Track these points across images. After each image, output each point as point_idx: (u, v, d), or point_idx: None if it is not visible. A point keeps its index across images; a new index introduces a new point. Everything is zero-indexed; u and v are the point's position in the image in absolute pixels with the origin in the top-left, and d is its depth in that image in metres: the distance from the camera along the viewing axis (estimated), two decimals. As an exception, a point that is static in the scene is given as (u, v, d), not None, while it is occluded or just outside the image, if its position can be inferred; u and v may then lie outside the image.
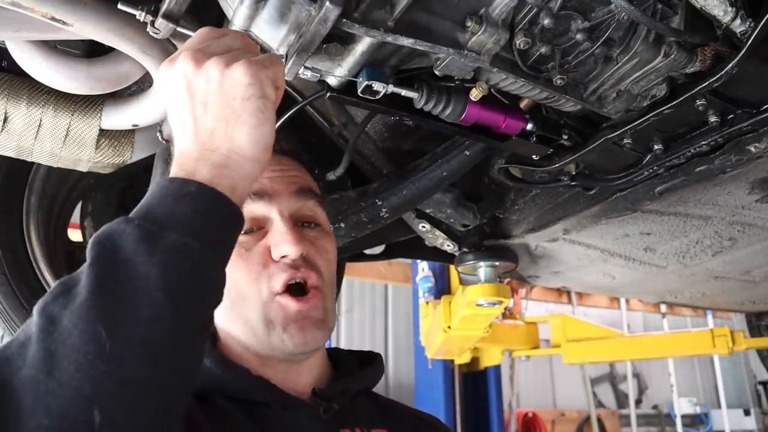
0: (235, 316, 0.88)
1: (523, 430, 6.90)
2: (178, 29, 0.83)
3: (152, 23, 0.81)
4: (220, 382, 0.85)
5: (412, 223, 1.71)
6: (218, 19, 1.03)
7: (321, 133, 1.40)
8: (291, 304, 0.84)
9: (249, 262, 0.86)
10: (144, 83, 1.13)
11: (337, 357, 1.01)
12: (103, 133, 1.13)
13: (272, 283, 0.85)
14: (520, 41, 0.86)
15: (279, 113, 1.13)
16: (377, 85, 0.88)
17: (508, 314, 4.94)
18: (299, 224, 0.91)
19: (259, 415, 0.84)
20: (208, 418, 0.82)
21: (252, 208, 0.88)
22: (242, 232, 0.85)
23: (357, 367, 0.99)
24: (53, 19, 0.79)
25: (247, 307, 0.86)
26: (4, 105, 1.05)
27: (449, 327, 3.18)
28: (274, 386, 0.85)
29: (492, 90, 1.00)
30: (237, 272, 0.85)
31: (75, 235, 1.86)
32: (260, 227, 0.89)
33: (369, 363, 1.01)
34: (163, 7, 0.81)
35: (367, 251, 2.12)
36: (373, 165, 1.49)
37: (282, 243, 0.85)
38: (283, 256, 0.85)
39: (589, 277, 2.23)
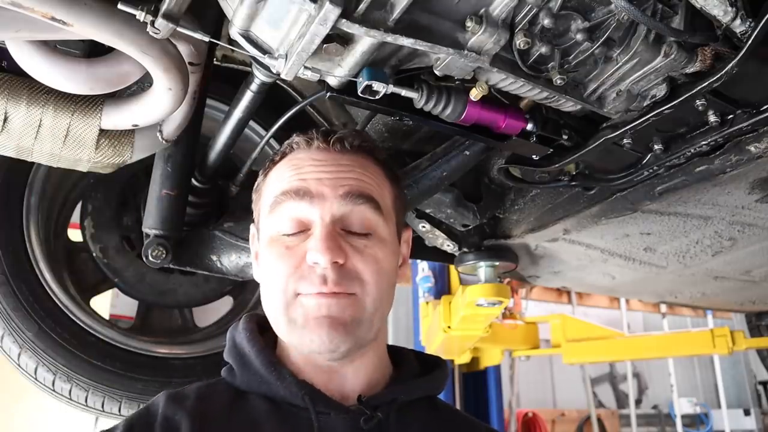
0: (268, 311, 0.89)
1: (523, 429, 6.89)
2: (178, 29, 0.83)
3: (152, 23, 0.81)
4: (265, 384, 0.86)
5: (412, 223, 1.71)
6: (218, 19, 1.03)
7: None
8: (311, 301, 0.82)
9: (286, 262, 0.85)
10: (144, 83, 1.12)
11: (400, 360, 0.98)
12: (103, 133, 1.13)
13: (299, 286, 0.84)
14: (520, 41, 0.86)
15: (279, 113, 1.14)
16: (377, 85, 0.87)
17: (508, 314, 4.93)
18: (346, 231, 0.86)
19: (296, 420, 0.83)
20: (235, 419, 0.84)
21: (295, 209, 0.87)
22: (288, 233, 0.86)
23: (417, 373, 0.95)
24: (53, 19, 0.79)
25: (275, 305, 0.86)
26: (4, 105, 1.04)
27: (449, 327, 3.18)
28: (317, 391, 0.85)
29: (492, 90, 1.00)
30: (274, 270, 0.86)
31: (75, 235, 1.86)
32: (306, 229, 0.86)
33: (431, 371, 0.97)
34: (163, 7, 0.81)
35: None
36: (373, 165, 1.49)
37: (314, 250, 0.82)
38: (315, 263, 0.83)
39: (589, 277, 2.23)
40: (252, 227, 1.00)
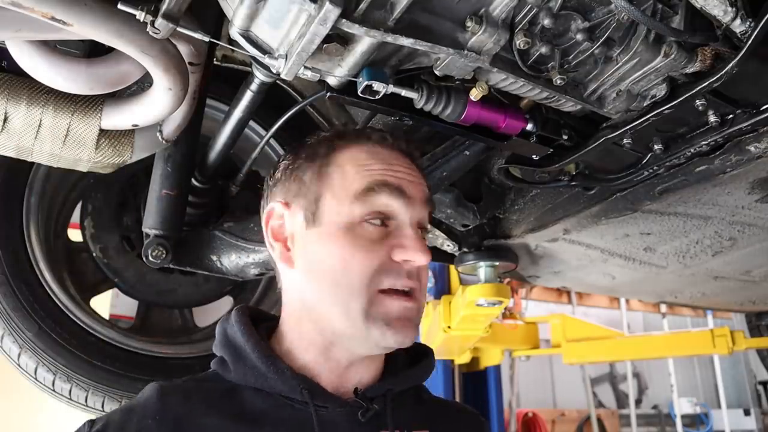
0: (335, 300, 0.85)
1: (523, 429, 6.89)
2: (178, 29, 0.83)
3: (152, 23, 0.81)
4: (261, 377, 0.86)
5: (412, 223, 1.71)
6: (218, 19, 1.03)
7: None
8: (395, 303, 0.84)
9: (371, 255, 0.84)
10: (144, 83, 1.12)
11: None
12: (103, 133, 1.13)
13: (384, 281, 0.84)
14: (520, 41, 0.86)
15: (279, 113, 1.14)
16: (377, 85, 0.87)
17: (508, 314, 4.93)
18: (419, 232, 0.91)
19: (294, 414, 0.84)
20: (231, 414, 0.83)
21: (388, 202, 0.87)
22: (373, 221, 0.86)
23: (407, 364, 0.98)
24: (53, 19, 0.79)
25: (351, 296, 0.83)
26: (4, 105, 1.04)
27: (449, 327, 3.18)
28: (315, 385, 0.85)
29: (492, 90, 1.00)
30: (355, 260, 0.84)
31: (75, 235, 1.86)
32: (388, 223, 0.87)
33: (419, 360, 0.99)
34: (163, 7, 0.81)
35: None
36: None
37: (411, 249, 0.85)
38: (406, 261, 0.85)
39: (589, 277, 2.23)
40: (278, 206, 0.92)
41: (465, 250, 1.83)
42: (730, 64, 0.91)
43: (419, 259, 0.85)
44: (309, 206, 0.89)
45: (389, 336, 0.84)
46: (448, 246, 1.82)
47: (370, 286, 0.83)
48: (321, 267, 0.86)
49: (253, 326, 0.92)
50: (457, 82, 0.99)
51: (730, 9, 0.82)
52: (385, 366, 0.95)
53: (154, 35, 0.84)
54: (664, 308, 8.30)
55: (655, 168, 1.29)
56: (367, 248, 0.84)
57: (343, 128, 0.96)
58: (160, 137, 1.23)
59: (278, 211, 0.93)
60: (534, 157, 1.24)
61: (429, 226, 0.94)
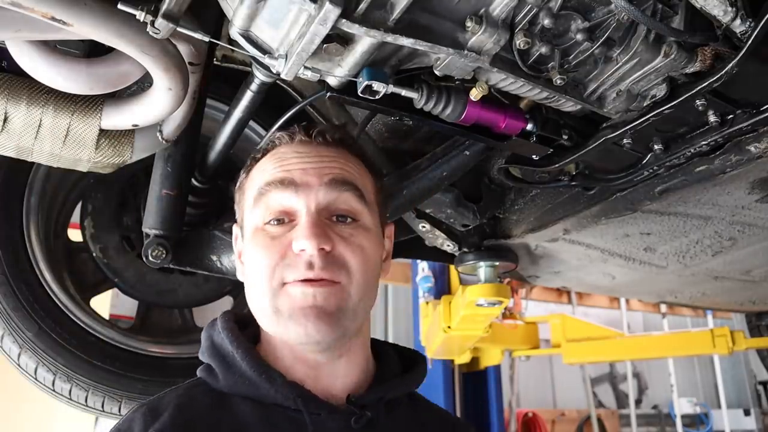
0: (254, 305, 0.88)
1: (523, 429, 6.89)
2: (178, 29, 0.83)
3: (152, 23, 0.81)
4: (252, 386, 0.85)
5: (412, 223, 1.71)
6: (218, 19, 1.03)
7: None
8: (297, 290, 0.82)
9: (270, 251, 0.85)
10: (144, 83, 1.12)
11: (383, 355, 0.98)
12: (103, 133, 1.13)
13: (285, 274, 0.83)
14: (520, 41, 0.86)
15: (279, 113, 1.14)
16: (377, 85, 0.87)
17: (508, 314, 4.93)
18: (332, 218, 0.87)
19: (286, 422, 0.83)
20: (221, 425, 0.82)
21: (281, 199, 0.87)
22: (273, 221, 0.86)
23: (399, 370, 0.96)
24: (53, 19, 0.79)
25: (260, 295, 0.85)
26: (4, 105, 1.04)
27: (449, 327, 3.18)
28: (307, 392, 0.84)
29: (492, 90, 1.00)
30: (260, 260, 0.85)
31: (75, 235, 1.86)
32: (291, 219, 0.87)
33: (412, 367, 0.98)
34: (163, 7, 0.81)
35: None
36: (373, 165, 1.49)
37: (300, 237, 0.82)
38: (302, 250, 0.82)
39: (589, 277, 2.23)
40: (235, 228, 0.99)
41: (465, 250, 1.83)
42: (730, 64, 0.91)
43: (306, 245, 0.81)
44: (240, 221, 0.95)
45: (292, 329, 0.82)
46: (448, 246, 1.82)
47: (272, 281, 0.84)
48: (246, 278, 0.91)
49: (240, 332, 0.91)
50: (457, 82, 0.99)
51: (730, 9, 0.82)
52: (376, 372, 0.94)
53: (154, 35, 0.84)
54: (664, 308, 8.29)
55: (655, 168, 1.29)
56: (267, 246, 0.85)
57: (269, 140, 0.96)
58: (160, 137, 1.23)
59: (235, 233, 0.99)
60: (534, 157, 1.24)
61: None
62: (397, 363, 0.98)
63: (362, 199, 0.90)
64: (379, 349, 0.99)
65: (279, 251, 0.84)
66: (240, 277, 0.95)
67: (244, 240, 0.93)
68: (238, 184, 0.98)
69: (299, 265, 0.82)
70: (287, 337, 0.85)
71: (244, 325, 0.95)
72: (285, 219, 0.87)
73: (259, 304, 0.87)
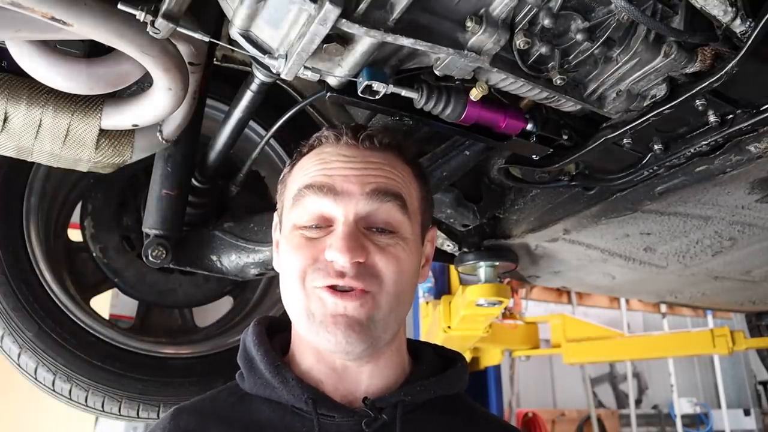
0: (287, 302, 0.88)
1: (523, 429, 6.89)
2: (178, 29, 0.83)
3: (152, 23, 0.81)
4: (269, 387, 0.86)
5: (412, 223, 1.71)
6: (218, 19, 1.03)
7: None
8: (329, 297, 0.82)
9: (304, 253, 0.84)
10: (144, 83, 1.12)
11: (420, 358, 0.96)
12: (103, 133, 1.13)
13: (315, 277, 0.83)
14: (520, 41, 0.86)
15: (279, 113, 1.14)
16: (377, 85, 0.87)
17: (508, 314, 4.93)
18: (371, 229, 0.85)
19: (299, 423, 0.84)
20: (236, 423, 0.84)
21: (318, 204, 0.86)
22: (311, 226, 0.86)
23: (433, 372, 0.93)
24: (53, 19, 0.79)
25: (294, 295, 0.85)
26: (4, 105, 1.04)
27: (449, 327, 3.19)
28: (321, 394, 0.85)
29: (492, 90, 1.00)
30: (293, 260, 0.85)
31: (75, 235, 1.86)
32: (328, 224, 0.86)
33: (445, 369, 0.94)
34: (163, 7, 0.81)
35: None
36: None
37: (334, 249, 0.81)
38: (333, 261, 0.82)
39: (589, 277, 2.23)
40: (275, 216, 0.99)
41: (465, 250, 1.83)
42: (730, 64, 0.91)
43: (338, 258, 0.81)
44: (279, 214, 0.96)
45: (322, 336, 0.82)
46: (448, 246, 1.82)
47: (303, 283, 0.84)
48: (281, 272, 0.91)
49: (267, 336, 0.92)
50: (457, 82, 0.99)
51: (730, 9, 0.82)
52: (410, 375, 0.92)
53: (154, 35, 0.84)
54: (664, 308, 8.29)
55: (655, 168, 1.29)
56: (301, 247, 0.85)
57: (316, 137, 0.94)
58: (160, 137, 1.23)
59: (275, 221, 0.99)
60: (534, 157, 1.24)
61: (404, 220, 0.87)
62: (434, 365, 0.95)
63: (404, 209, 0.88)
64: (419, 351, 0.97)
65: (312, 255, 0.84)
66: (276, 267, 0.96)
67: (281, 233, 0.94)
68: (282, 176, 0.98)
69: (330, 271, 0.82)
70: (317, 342, 0.85)
71: (280, 329, 0.96)
72: (323, 224, 0.86)
73: (292, 302, 0.87)
